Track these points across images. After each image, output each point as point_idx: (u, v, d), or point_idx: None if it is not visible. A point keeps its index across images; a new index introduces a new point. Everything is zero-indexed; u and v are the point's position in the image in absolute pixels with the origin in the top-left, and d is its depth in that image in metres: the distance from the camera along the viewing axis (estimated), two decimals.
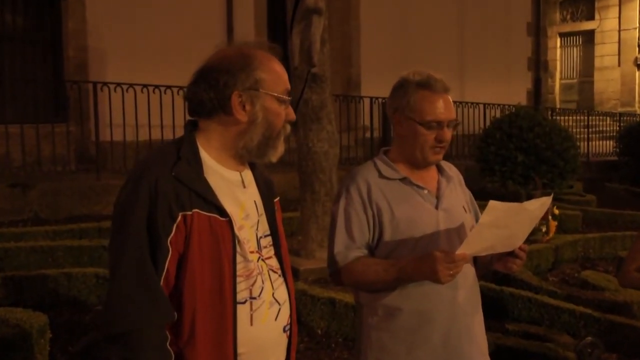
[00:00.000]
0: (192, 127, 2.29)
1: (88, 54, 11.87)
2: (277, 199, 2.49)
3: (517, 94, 17.82)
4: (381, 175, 2.88)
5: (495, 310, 6.07)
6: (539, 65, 19.93)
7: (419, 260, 2.65)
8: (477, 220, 3.03)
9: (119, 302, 2.07)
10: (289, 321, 2.36)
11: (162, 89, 10.47)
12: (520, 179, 11.57)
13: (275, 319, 2.28)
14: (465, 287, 2.88)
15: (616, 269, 7.59)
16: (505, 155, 11.58)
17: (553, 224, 2.73)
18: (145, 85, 10.50)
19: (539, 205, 2.67)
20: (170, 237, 2.08)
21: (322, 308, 5.86)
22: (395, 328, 2.82)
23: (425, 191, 2.87)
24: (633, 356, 5.30)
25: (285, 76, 2.31)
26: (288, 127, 2.34)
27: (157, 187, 2.08)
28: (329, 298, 5.84)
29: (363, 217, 2.83)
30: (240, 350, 2.18)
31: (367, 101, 13.46)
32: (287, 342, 2.38)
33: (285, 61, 8.38)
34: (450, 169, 3.05)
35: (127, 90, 10.38)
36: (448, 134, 2.83)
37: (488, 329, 5.56)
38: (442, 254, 2.58)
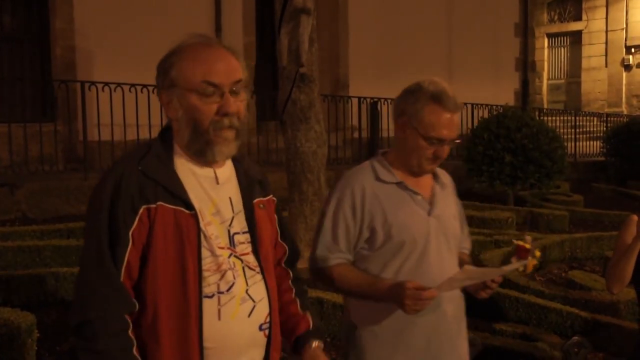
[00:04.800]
0: (169, 124, 2.32)
1: (76, 54, 11.81)
2: (268, 197, 2.46)
3: (504, 94, 17.85)
4: (377, 179, 2.88)
5: (483, 310, 6.09)
6: (526, 65, 19.99)
7: (391, 287, 2.69)
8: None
9: (80, 294, 2.12)
10: (268, 320, 2.31)
11: (150, 88, 10.39)
12: (508, 179, 11.60)
13: (249, 316, 2.24)
14: (452, 301, 2.91)
15: (603, 270, 7.63)
16: (493, 156, 11.60)
17: (532, 263, 2.69)
18: (133, 85, 10.48)
19: (515, 267, 2.75)
20: (132, 229, 2.10)
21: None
22: (379, 329, 2.85)
23: (419, 197, 2.88)
24: (619, 355, 5.32)
25: (213, 66, 2.19)
26: (227, 121, 2.20)
27: (121, 181, 2.11)
28: (316, 298, 5.84)
29: (351, 222, 2.83)
30: (207, 344, 2.16)
31: (355, 101, 13.48)
32: (267, 341, 2.33)
33: (274, 61, 8.33)
34: (444, 176, 3.07)
35: (115, 90, 10.35)
36: (446, 150, 2.86)
37: (476, 328, 5.59)
38: (412, 289, 2.61)
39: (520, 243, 2.78)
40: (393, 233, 2.80)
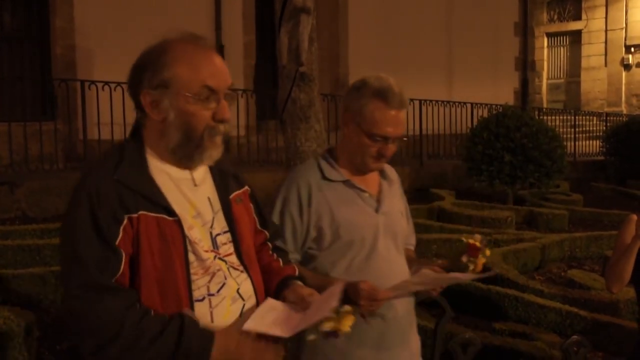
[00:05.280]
0: (138, 125, 2.25)
1: (76, 53, 11.83)
2: (243, 189, 2.43)
3: (504, 93, 17.87)
4: (324, 177, 2.84)
5: (482, 310, 6.10)
6: (526, 65, 20.00)
7: (346, 287, 2.65)
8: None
9: (89, 312, 1.99)
10: None
11: None
12: (507, 178, 11.61)
13: (240, 315, 2.21)
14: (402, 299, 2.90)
15: (602, 270, 7.64)
16: (493, 155, 11.61)
17: (481, 262, 2.72)
18: None
19: (468, 278, 2.79)
20: (118, 240, 2.03)
21: None
22: None
23: (366, 194, 2.87)
24: (619, 355, 5.33)
25: (211, 71, 2.15)
26: (222, 127, 2.18)
27: (98, 193, 2.04)
28: None
29: (298, 221, 2.79)
30: None
31: None
32: None
33: (274, 60, 8.35)
34: (391, 172, 3.05)
35: (114, 89, 10.32)
36: (392, 148, 2.79)
37: (475, 327, 5.59)
38: (367, 290, 2.58)
39: (471, 241, 2.78)
40: (341, 233, 2.78)
